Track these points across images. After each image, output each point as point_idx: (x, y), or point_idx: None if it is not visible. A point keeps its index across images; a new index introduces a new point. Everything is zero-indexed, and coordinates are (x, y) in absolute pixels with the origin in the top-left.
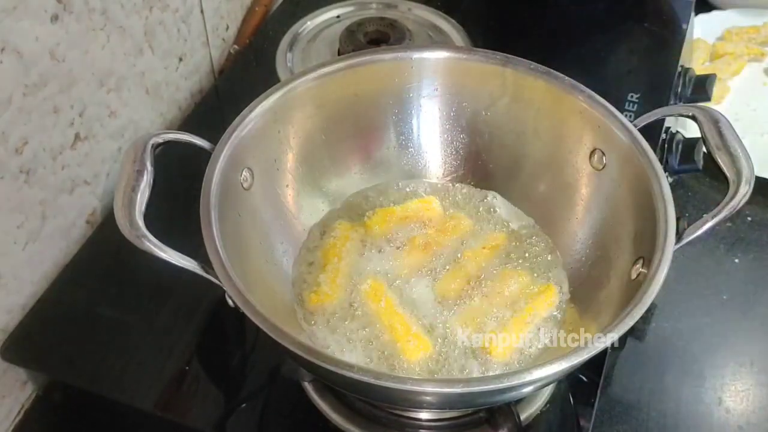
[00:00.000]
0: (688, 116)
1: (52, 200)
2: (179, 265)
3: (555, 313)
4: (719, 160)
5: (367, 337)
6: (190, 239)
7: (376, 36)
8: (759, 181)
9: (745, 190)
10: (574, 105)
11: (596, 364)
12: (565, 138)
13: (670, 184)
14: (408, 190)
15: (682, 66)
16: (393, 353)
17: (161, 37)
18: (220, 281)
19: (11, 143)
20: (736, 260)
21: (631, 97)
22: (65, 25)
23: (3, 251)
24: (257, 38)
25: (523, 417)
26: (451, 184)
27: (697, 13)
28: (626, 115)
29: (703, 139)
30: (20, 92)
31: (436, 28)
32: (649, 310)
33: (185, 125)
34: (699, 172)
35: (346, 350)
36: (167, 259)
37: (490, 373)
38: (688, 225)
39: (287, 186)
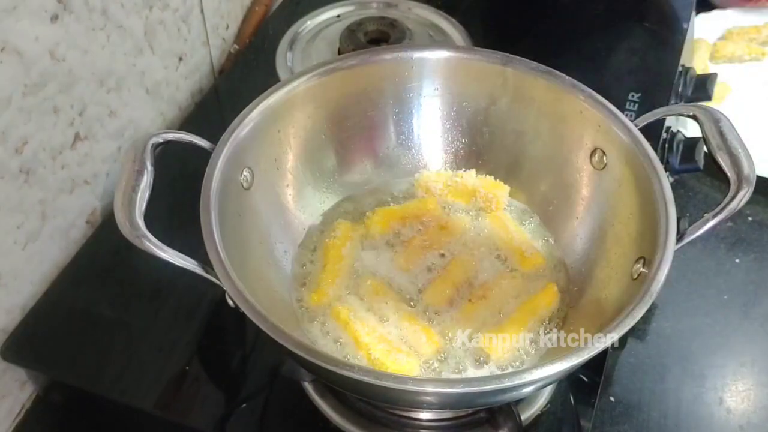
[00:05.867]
0: (689, 116)
1: (51, 200)
2: (179, 265)
3: (555, 313)
4: (720, 160)
5: None
6: (190, 239)
7: (376, 35)
8: (760, 180)
9: (746, 190)
10: (574, 104)
11: (597, 364)
12: (565, 137)
13: (671, 183)
14: (408, 189)
15: (682, 65)
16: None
17: (161, 37)
18: (220, 281)
19: (11, 143)
20: (737, 260)
21: (632, 96)
22: (65, 24)
23: (3, 251)
24: (257, 38)
25: (523, 417)
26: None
27: (697, 13)
28: (627, 115)
29: (704, 139)
30: (20, 92)
31: (436, 28)
32: (650, 310)
33: (185, 125)
34: (700, 171)
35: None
36: (167, 259)
37: (491, 373)
38: (689, 225)
39: (287, 186)
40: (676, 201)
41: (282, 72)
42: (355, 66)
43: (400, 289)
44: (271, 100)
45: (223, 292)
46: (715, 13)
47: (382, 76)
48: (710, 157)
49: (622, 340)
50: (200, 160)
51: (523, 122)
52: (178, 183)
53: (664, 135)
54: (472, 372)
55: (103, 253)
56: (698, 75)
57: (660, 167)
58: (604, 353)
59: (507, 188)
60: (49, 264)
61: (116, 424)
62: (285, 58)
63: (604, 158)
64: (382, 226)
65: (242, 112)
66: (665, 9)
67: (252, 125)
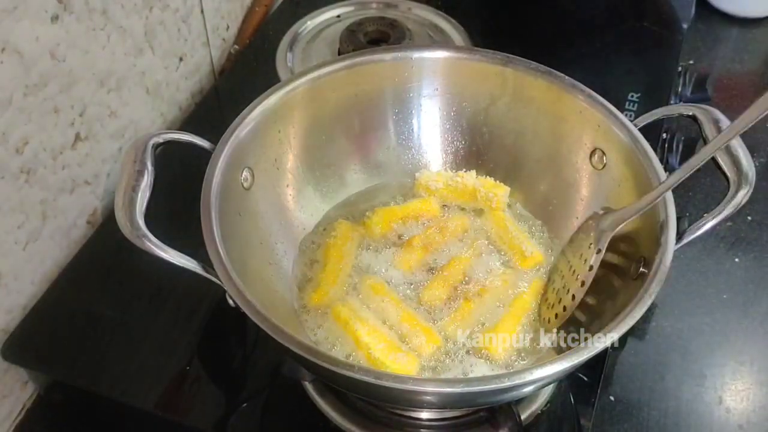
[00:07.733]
0: (688, 116)
1: (52, 200)
2: (180, 264)
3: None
4: (719, 160)
5: None
6: (190, 239)
7: (376, 36)
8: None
9: (745, 190)
10: (574, 104)
11: (597, 364)
12: (565, 137)
13: None
14: (408, 189)
15: (682, 65)
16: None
17: (161, 37)
18: (220, 281)
19: (12, 143)
20: (737, 260)
21: (632, 96)
22: (66, 25)
23: (4, 251)
24: (257, 38)
25: (523, 416)
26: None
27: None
28: (626, 115)
29: (704, 139)
30: (21, 92)
31: (436, 28)
32: (650, 310)
33: (186, 125)
34: (699, 171)
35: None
36: (168, 259)
37: (491, 373)
38: (689, 225)
39: (287, 186)
40: (675, 201)
41: (282, 72)
42: (355, 66)
43: (400, 289)
44: (271, 100)
45: (224, 292)
46: None
47: (382, 76)
48: (710, 157)
49: (622, 340)
50: (200, 160)
51: (522, 122)
52: (179, 183)
53: (664, 135)
54: (472, 371)
55: (103, 253)
56: (698, 75)
57: (660, 167)
58: (604, 353)
59: (507, 189)
60: (50, 264)
61: (116, 424)
62: (285, 59)
63: (604, 158)
64: (382, 226)
65: (242, 112)
66: (665, 9)
67: (252, 125)
